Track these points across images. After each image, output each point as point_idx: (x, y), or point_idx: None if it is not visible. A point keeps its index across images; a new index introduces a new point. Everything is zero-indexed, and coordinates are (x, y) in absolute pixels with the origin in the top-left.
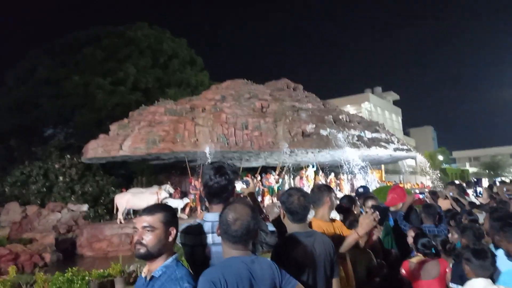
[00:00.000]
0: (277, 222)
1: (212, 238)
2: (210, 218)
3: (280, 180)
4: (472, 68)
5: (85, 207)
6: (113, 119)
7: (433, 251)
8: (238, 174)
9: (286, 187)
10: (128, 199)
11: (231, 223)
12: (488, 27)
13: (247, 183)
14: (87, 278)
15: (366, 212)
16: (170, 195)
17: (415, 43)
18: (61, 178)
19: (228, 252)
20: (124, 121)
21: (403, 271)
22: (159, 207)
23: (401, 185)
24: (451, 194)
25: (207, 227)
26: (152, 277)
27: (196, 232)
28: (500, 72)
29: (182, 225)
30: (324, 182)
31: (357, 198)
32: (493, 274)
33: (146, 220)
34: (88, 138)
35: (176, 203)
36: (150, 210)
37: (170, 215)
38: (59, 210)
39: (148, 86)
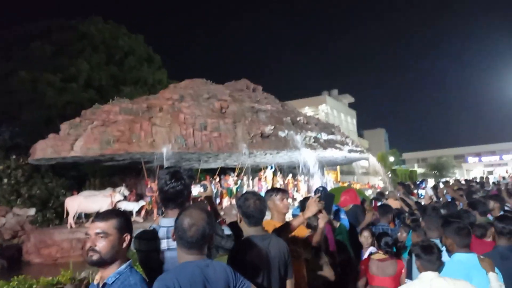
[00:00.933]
0: (234, 225)
1: (167, 244)
2: (165, 224)
3: (239, 182)
4: (421, 73)
5: (32, 211)
6: (64, 118)
7: (394, 249)
8: (194, 179)
9: (245, 188)
10: (80, 202)
11: (186, 229)
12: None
13: (205, 187)
14: (34, 286)
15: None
16: (125, 198)
17: (370, 47)
18: (5, 180)
19: (183, 257)
20: (76, 120)
21: (362, 266)
22: (113, 213)
23: (354, 185)
24: (398, 194)
25: (162, 232)
26: (104, 284)
27: (150, 238)
28: (446, 76)
29: (137, 231)
30: (282, 183)
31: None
32: (440, 267)
33: (99, 226)
34: (36, 137)
35: (131, 206)
36: (104, 216)
37: (124, 221)
38: (4, 215)
39: (102, 84)
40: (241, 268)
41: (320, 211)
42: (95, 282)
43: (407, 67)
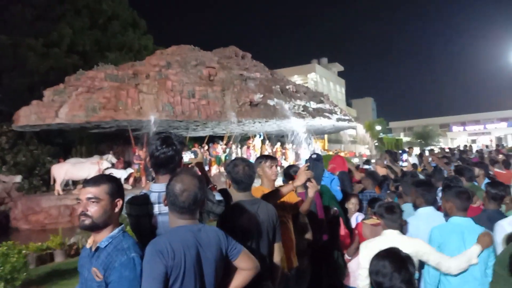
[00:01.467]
0: (224, 191)
1: (158, 208)
2: (156, 189)
3: (227, 150)
4: (408, 43)
5: (18, 178)
6: (47, 84)
7: None
8: (185, 145)
9: (233, 156)
10: (67, 170)
11: (178, 194)
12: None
13: (195, 154)
14: (24, 251)
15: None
16: (113, 165)
17: (359, 16)
18: None
19: (175, 221)
20: (59, 86)
21: (355, 231)
22: (105, 178)
23: (341, 153)
24: (385, 162)
25: (153, 197)
26: (97, 248)
27: (142, 203)
28: (433, 46)
29: (128, 196)
30: (270, 151)
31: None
32: (401, 226)
33: (90, 191)
34: (19, 104)
35: (119, 174)
36: (95, 181)
37: (116, 186)
38: None
39: (86, 49)
40: (231, 232)
41: (309, 180)
42: (88, 246)
43: (395, 36)
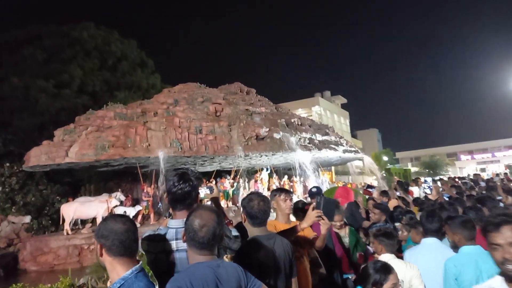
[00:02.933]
0: (239, 226)
1: (176, 245)
2: (174, 225)
3: (235, 184)
4: (412, 73)
5: (27, 219)
6: (58, 124)
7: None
8: (201, 180)
9: (241, 191)
10: (76, 209)
11: (197, 229)
12: (429, 33)
13: (211, 189)
14: None
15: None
16: (121, 203)
17: (361, 48)
18: (0, 188)
19: (194, 257)
20: (70, 126)
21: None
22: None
23: (348, 185)
24: (398, 193)
25: (170, 234)
26: None
27: (159, 239)
28: (437, 75)
29: (145, 233)
30: (278, 184)
31: (310, 197)
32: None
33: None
34: (29, 144)
35: (128, 211)
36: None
37: (97, 228)
38: None
39: (96, 90)
40: (248, 268)
41: (320, 218)
42: (109, 285)
43: (398, 67)
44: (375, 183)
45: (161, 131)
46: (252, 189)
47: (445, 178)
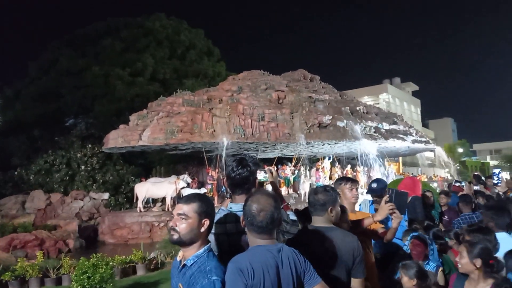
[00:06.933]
0: (301, 212)
1: (236, 227)
2: (234, 208)
3: (296, 172)
4: (493, 58)
5: (106, 196)
6: (133, 109)
7: None
8: (259, 166)
9: (302, 178)
10: (148, 188)
11: (255, 214)
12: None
13: (271, 172)
14: (111, 263)
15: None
16: (188, 185)
17: (434, 32)
18: (83, 167)
19: (254, 241)
20: (143, 111)
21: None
22: (197, 197)
23: (418, 177)
24: (474, 187)
25: (231, 216)
26: (184, 265)
27: (221, 221)
28: None
29: None
30: (340, 174)
31: (370, 195)
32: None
33: (181, 208)
34: (108, 128)
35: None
36: (187, 199)
37: (205, 206)
38: (82, 198)
39: (166, 77)
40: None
41: (393, 211)
42: (178, 259)
43: (474, 50)
44: (447, 176)
45: (225, 118)
46: (314, 177)
47: None
